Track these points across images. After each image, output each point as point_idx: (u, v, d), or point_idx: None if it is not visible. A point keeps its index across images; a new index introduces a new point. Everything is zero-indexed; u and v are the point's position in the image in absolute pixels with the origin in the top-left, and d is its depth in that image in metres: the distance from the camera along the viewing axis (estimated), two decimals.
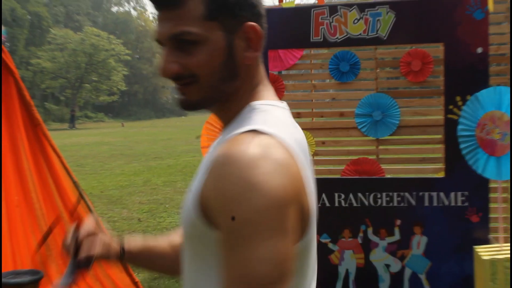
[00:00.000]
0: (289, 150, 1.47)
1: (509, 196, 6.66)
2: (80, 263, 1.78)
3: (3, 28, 6.17)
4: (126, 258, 1.82)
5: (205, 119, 6.62)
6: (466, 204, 6.19)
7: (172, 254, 1.86)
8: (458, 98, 6.16)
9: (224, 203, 1.35)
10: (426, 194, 6.20)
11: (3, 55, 6.15)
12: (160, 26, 1.53)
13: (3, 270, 6.55)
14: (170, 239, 1.99)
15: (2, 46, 6.16)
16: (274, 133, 1.49)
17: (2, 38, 6.11)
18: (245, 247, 1.32)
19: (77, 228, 1.87)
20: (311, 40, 6.40)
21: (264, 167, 1.36)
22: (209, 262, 1.51)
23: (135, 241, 1.90)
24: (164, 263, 1.80)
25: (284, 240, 1.36)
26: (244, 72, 1.62)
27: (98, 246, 1.85)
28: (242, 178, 1.34)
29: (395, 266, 6.20)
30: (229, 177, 1.35)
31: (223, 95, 1.59)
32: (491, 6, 6.28)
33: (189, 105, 1.60)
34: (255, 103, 1.63)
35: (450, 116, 6.19)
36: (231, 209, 1.34)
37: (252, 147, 1.40)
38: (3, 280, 5.99)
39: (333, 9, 6.38)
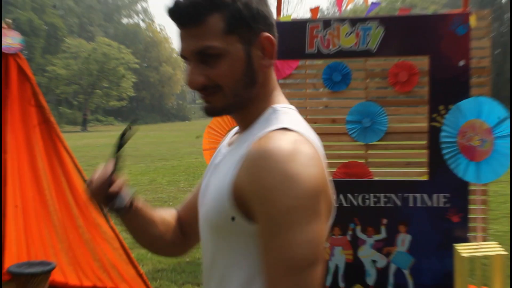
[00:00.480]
0: (314, 146, 1.55)
1: (487, 198, 6.69)
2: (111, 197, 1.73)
3: (21, 37, 6.18)
4: (130, 212, 1.76)
5: (207, 124, 6.64)
6: (448, 205, 6.22)
7: (161, 228, 1.83)
8: (441, 107, 6.19)
9: (266, 194, 1.40)
10: (411, 195, 6.23)
11: (20, 62, 6.17)
12: (184, 42, 1.56)
13: (18, 261, 6.57)
14: (161, 213, 1.98)
15: (19, 53, 6.17)
16: (300, 131, 1.56)
17: (20, 46, 6.13)
18: (287, 233, 1.38)
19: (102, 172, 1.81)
20: (306, 52, 6.43)
21: (299, 160, 1.42)
22: (239, 252, 1.54)
23: (139, 200, 1.86)
24: (153, 232, 1.77)
25: (319, 225, 1.43)
26: (261, 78, 1.65)
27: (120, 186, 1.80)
28: (281, 170, 1.39)
29: (381, 262, 6.22)
30: (269, 170, 1.40)
31: (244, 101, 1.63)
32: (473, 22, 6.31)
33: (214, 111, 1.63)
34: (276, 106, 1.68)
35: (433, 123, 6.22)
36: (273, 198, 1.39)
37: (285, 143, 1.46)
38: (18, 270, 6.00)
39: (326, 23, 6.41)
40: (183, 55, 1.59)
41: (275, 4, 7.95)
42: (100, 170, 1.71)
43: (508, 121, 5.82)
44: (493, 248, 6.02)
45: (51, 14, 76.27)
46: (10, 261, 6.73)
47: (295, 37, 6.40)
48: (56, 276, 6.56)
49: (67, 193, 6.22)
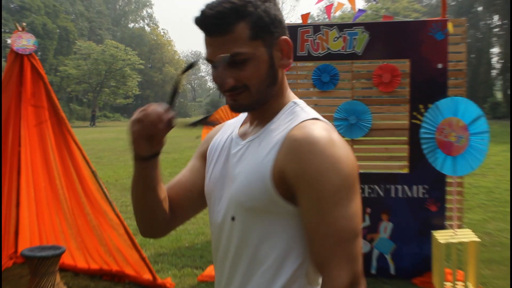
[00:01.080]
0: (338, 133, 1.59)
1: (463, 189, 6.70)
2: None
3: (35, 39, 6.17)
4: (155, 160, 1.68)
5: None
6: (426, 196, 6.25)
7: (162, 194, 1.74)
8: (421, 106, 6.20)
9: (316, 175, 1.45)
10: (393, 187, 6.26)
11: (34, 62, 6.16)
12: (212, 49, 1.56)
13: (31, 246, 6.57)
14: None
15: (33, 54, 6.17)
16: (325, 120, 1.63)
17: (34, 47, 6.12)
18: (336, 209, 1.44)
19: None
20: (297, 54, 6.44)
21: (338, 145, 1.50)
22: (274, 230, 1.56)
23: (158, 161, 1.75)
24: (158, 194, 1.69)
25: (358, 201, 1.51)
26: (280, 77, 1.68)
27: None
28: (328, 154, 1.46)
29: (365, 247, 6.25)
30: (317, 154, 1.45)
31: (267, 98, 1.64)
32: (450, 28, 6.32)
33: (240, 108, 1.64)
34: (296, 101, 1.71)
35: (414, 121, 6.24)
36: (323, 179, 1.44)
37: (322, 131, 1.52)
38: (29, 253, 5.99)
39: (316, 28, 6.42)
40: (211, 60, 1.58)
41: None
42: (153, 106, 1.63)
43: (483, 119, 5.83)
44: (467, 235, 6.04)
45: (63, 18, 76.19)
46: (23, 245, 6.75)
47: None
48: (66, 260, 6.57)
49: (76, 183, 6.21)
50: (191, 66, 1.63)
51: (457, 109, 5.87)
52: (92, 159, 6.54)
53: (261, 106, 1.64)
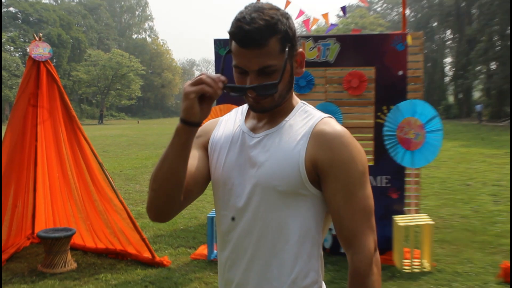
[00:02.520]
0: None
1: (420, 179, 6.72)
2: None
3: (50, 47, 6.14)
4: (195, 129, 1.58)
5: None
6: (388, 185, 6.26)
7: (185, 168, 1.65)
8: (384, 107, 6.22)
9: (346, 163, 1.54)
10: None
11: (49, 67, 6.13)
12: (246, 60, 1.53)
13: (45, 227, 6.55)
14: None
15: (49, 61, 6.14)
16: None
17: (49, 55, 6.09)
18: (361, 190, 1.56)
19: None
20: None
21: (354, 139, 1.61)
22: (300, 210, 1.59)
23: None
24: (185, 170, 1.61)
25: (370, 184, 1.63)
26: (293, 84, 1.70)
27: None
28: (353, 146, 1.57)
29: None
30: (346, 145, 1.55)
31: (284, 100, 1.65)
32: (409, 41, 6.33)
33: (263, 110, 1.63)
34: (303, 102, 1.74)
35: (378, 120, 6.25)
36: (352, 166, 1.55)
37: (341, 127, 1.61)
38: (44, 234, 5.97)
39: None
40: (244, 68, 1.55)
41: None
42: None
43: (437, 119, 5.86)
44: (423, 219, 6.08)
45: (76, 30, 75.84)
46: (39, 227, 6.77)
47: None
48: (76, 240, 6.56)
49: (86, 173, 6.21)
50: (229, 51, 1.59)
51: (415, 110, 5.90)
52: (99, 153, 6.51)
53: (277, 108, 1.64)
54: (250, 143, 1.66)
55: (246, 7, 1.55)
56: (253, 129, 1.69)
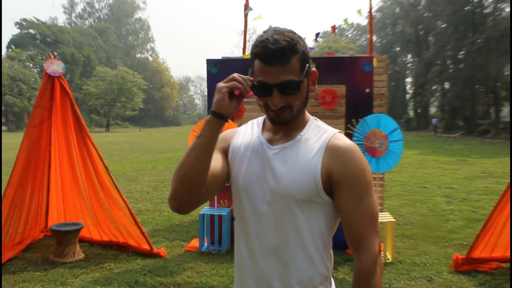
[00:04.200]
0: None
1: (383, 182, 6.74)
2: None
3: (63, 65, 6.12)
4: (223, 122, 1.56)
5: (192, 127, 6.57)
6: None
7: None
8: (353, 120, 6.23)
9: (357, 174, 1.55)
10: None
11: (62, 82, 6.11)
12: (271, 76, 1.50)
13: (57, 222, 6.51)
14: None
15: (62, 77, 6.12)
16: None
17: (62, 71, 6.07)
18: (369, 197, 1.56)
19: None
20: None
21: (361, 152, 1.61)
22: (314, 215, 1.59)
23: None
24: (210, 161, 1.57)
25: None
26: None
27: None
28: (362, 159, 1.57)
29: None
30: (357, 159, 1.56)
31: (299, 114, 1.63)
32: (375, 63, 6.36)
33: (281, 122, 1.60)
34: (314, 117, 1.74)
35: (348, 131, 6.26)
36: (362, 177, 1.55)
37: (351, 142, 1.61)
38: (56, 228, 5.93)
39: None
40: (267, 83, 1.52)
41: (242, 45, 7.88)
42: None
43: (399, 130, 5.88)
44: (386, 217, 6.08)
45: (87, 49, 75.51)
46: (51, 222, 6.73)
47: None
48: (84, 233, 6.51)
49: (93, 175, 6.18)
50: (252, 71, 1.57)
51: (379, 123, 5.92)
52: (105, 157, 6.48)
53: (293, 121, 1.63)
54: (269, 153, 1.64)
55: (265, 32, 1.55)
56: (270, 141, 1.67)
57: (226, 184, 1.74)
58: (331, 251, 1.69)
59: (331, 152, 1.57)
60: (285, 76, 1.50)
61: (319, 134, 1.64)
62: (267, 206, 1.61)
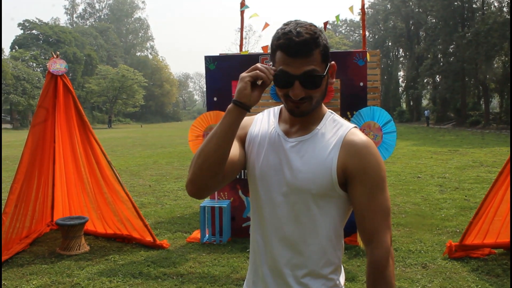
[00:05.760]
0: None
1: None
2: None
3: (66, 63, 6.10)
4: (245, 112, 1.55)
5: (192, 123, 6.55)
6: None
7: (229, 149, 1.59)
8: (348, 113, 6.21)
9: (372, 169, 1.53)
10: None
11: (65, 81, 6.10)
12: (294, 66, 1.48)
13: (63, 216, 6.51)
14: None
15: (65, 75, 6.10)
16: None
17: (65, 70, 6.05)
18: (383, 193, 1.55)
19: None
20: None
21: (376, 148, 1.59)
22: (330, 208, 1.58)
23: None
24: (230, 146, 1.55)
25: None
26: None
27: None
28: (377, 155, 1.55)
29: None
30: (372, 155, 1.54)
31: (318, 106, 1.61)
32: (368, 58, 6.34)
33: (301, 113, 1.58)
34: (330, 111, 1.70)
35: None
36: (376, 173, 1.54)
37: (367, 137, 1.59)
38: (61, 222, 5.93)
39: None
40: (292, 74, 1.50)
41: (239, 43, 7.88)
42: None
43: (392, 122, 5.87)
44: None
45: (88, 48, 75.38)
46: (57, 216, 6.73)
47: (252, 64, 6.34)
48: (89, 226, 6.51)
49: (96, 170, 6.17)
50: (273, 64, 1.55)
51: (374, 115, 5.91)
52: (108, 152, 6.47)
53: (311, 113, 1.61)
54: (286, 146, 1.62)
55: (286, 24, 1.53)
56: (287, 133, 1.65)
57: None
58: (343, 242, 1.68)
59: (348, 148, 1.55)
60: (308, 66, 1.48)
61: (335, 128, 1.62)
62: (282, 197, 1.60)
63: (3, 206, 5.76)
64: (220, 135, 1.52)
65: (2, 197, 9.45)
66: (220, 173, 1.56)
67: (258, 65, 1.52)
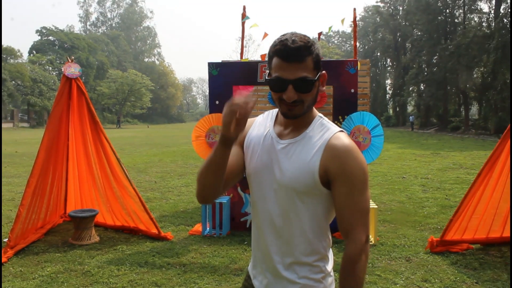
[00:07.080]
0: None
1: None
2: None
3: (80, 67, 6.09)
4: (230, 145, 1.57)
5: (195, 124, 6.54)
6: None
7: (223, 175, 1.64)
8: (340, 117, 6.22)
9: (352, 171, 1.52)
10: None
11: (79, 83, 6.09)
12: (288, 71, 1.50)
13: (75, 209, 6.49)
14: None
15: (79, 78, 6.10)
16: (344, 130, 1.73)
17: (79, 74, 6.04)
18: (363, 194, 1.55)
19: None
20: (258, 81, 6.40)
21: (359, 151, 1.58)
22: (314, 204, 1.60)
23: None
24: (222, 173, 1.61)
25: (369, 189, 1.62)
26: None
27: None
28: (359, 159, 1.54)
29: None
30: (352, 158, 1.53)
31: (309, 110, 1.62)
32: (359, 66, 6.35)
33: (294, 116, 1.59)
34: (320, 115, 1.70)
35: None
36: (356, 175, 1.53)
37: (350, 141, 1.58)
38: (74, 214, 5.92)
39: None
40: (284, 79, 1.52)
41: (240, 51, 7.88)
42: (238, 97, 1.53)
43: (380, 126, 5.87)
44: (370, 204, 6.06)
45: (100, 54, 75.32)
46: (70, 208, 6.73)
47: (251, 71, 6.35)
48: (99, 219, 6.49)
49: (106, 166, 6.15)
50: (270, 69, 1.58)
51: (363, 119, 5.91)
52: (117, 150, 6.45)
53: (302, 116, 1.62)
54: (277, 147, 1.65)
55: (283, 35, 1.55)
56: (280, 135, 1.68)
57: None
58: (329, 233, 1.70)
59: (330, 151, 1.56)
60: (301, 72, 1.50)
61: (322, 132, 1.62)
62: (273, 193, 1.64)
63: (16, 200, 5.73)
64: (215, 162, 1.59)
65: (19, 191, 9.46)
66: (220, 186, 1.65)
67: (236, 98, 1.50)
